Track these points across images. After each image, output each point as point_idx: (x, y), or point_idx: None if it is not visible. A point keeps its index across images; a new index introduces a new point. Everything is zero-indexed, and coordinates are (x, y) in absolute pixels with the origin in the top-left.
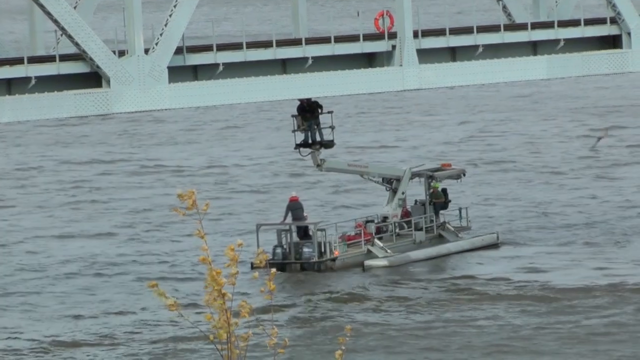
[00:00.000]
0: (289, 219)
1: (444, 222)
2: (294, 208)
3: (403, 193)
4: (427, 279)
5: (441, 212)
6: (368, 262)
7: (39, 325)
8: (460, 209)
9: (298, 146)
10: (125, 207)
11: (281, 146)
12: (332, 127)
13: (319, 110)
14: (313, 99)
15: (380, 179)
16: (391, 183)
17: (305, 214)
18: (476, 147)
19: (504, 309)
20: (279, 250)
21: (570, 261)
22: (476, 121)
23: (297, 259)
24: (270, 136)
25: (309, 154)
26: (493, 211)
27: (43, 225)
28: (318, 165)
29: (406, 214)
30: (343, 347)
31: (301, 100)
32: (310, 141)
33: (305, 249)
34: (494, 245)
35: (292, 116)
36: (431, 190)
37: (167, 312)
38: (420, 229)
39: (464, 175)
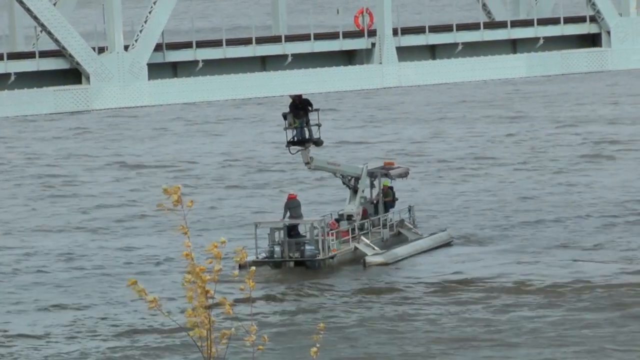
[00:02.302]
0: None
1: (402, 220)
2: (292, 206)
3: (363, 191)
4: (416, 275)
5: (391, 209)
6: (368, 259)
7: (15, 318)
8: (410, 207)
9: (290, 144)
10: (107, 202)
11: (247, 142)
12: (318, 125)
13: (309, 108)
14: (303, 96)
15: (342, 177)
16: (350, 181)
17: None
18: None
19: (493, 303)
20: (277, 248)
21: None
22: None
23: (300, 257)
24: (245, 132)
25: (298, 151)
26: (432, 208)
27: (13, 219)
28: (307, 163)
29: (364, 212)
30: (318, 345)
31: (293, 98)
32: (301, 139)
33: (307, 247)
34: (448, 243)
35: (283, 114)
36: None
37: (148, 308)
38: (384, 227)
39: (408, 173)
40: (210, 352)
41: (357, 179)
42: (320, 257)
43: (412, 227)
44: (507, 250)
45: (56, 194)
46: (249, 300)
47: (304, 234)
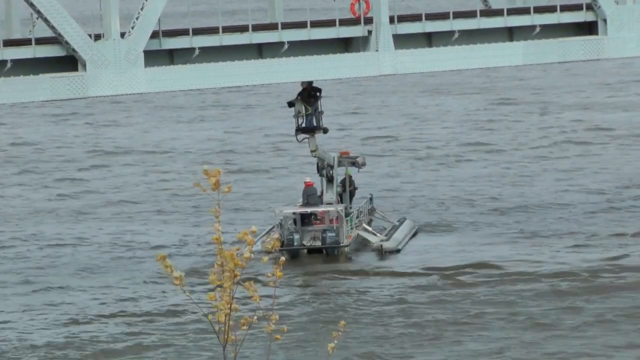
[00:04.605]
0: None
1: (374, 209)
2: (310, 193)
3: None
4: (429, 261)
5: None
6: (385, 245)
7: (35, 300)
8: (371, 196)
9: (302, 130)
10: (121, 189)
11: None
12: (321, 112)
13: (318, 94)
14: (313, 83)
15: (318, 165)
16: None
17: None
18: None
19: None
20: (297, 236)
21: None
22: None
23: (322, 244)
24: (239, 120)
25: (304, 139)
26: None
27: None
28: (313, 151)
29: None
30: (336, 341)
31: (304, 85)
32: (311, 126)
33: (329, 234)
34: (417, 230)
35: (289, 102)
36: (343, 177)
37: (166, 290)
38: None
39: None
40: (227, 337)
41: (331, 167)
42: (344, 244)
43: (382, 215)
44: (501, 237)
45: (53, 180)
46: (273, 290)
47: (315, 221)
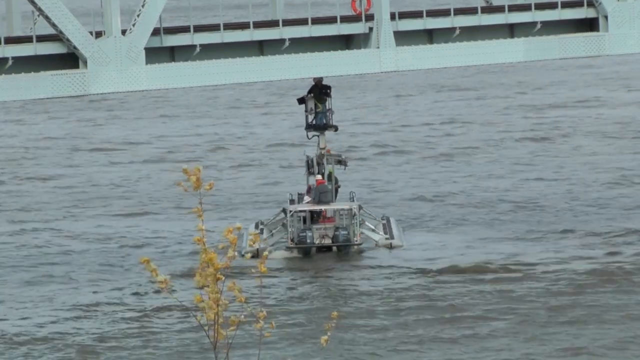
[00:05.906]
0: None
1: (360, 206)
2: (322, 191)
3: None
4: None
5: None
6: (394, 242)
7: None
8: (352, 194)
9: (314, 128)
10: (120, 184)
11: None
12: (330, 110)
13: (328, 91)
14: (323, 80)
15: (308, 163)
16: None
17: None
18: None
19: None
20: (310, 233)
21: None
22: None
23: (334, 242)
24: (235, 116)
25: (314, 136)
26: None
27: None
28: (322, 148)
29: None
30: (329, 334)
31: (316, 81)
32: (322, 124)
33: (342, 232)
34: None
35: (299, 99)
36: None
37: (155, 291)
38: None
39: None
40: (217, 336)
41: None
42: (358, 241)
43: (369, 213)
44: (492, 236)
45: (47, 175)
46: (260, 285)
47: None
